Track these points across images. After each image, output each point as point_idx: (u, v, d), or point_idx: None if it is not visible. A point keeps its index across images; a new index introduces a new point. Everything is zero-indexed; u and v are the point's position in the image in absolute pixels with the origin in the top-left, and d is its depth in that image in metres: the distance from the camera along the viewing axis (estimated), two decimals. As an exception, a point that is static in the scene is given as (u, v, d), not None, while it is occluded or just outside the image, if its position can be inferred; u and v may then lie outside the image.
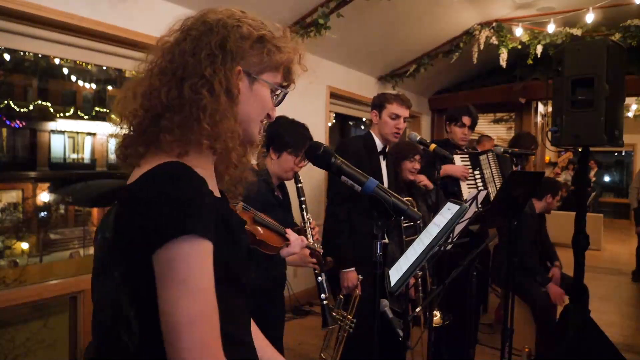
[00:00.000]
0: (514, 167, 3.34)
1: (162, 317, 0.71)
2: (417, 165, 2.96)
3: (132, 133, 0.86)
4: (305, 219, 2.00)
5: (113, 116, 0.90)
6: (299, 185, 2.06)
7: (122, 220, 0.77)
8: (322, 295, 1.97)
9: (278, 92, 0.94)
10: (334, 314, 2.09)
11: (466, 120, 3.11)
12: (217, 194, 0.88)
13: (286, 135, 1.97)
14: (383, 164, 2.66)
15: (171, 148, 0.81)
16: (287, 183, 2.13)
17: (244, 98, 0.87)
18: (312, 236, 1.97)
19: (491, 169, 3.21)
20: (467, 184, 3.08)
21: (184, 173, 0.77)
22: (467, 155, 3.15)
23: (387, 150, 2.67)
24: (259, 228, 1.61)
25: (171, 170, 0.77)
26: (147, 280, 0.73)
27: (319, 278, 1.96)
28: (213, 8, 0.89)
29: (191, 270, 0.72)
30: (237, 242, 0.87)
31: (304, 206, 2.02)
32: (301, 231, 1.98)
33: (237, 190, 1.00)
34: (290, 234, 1.74)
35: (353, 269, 2.40)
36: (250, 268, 0.92)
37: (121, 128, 0.87)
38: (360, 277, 2.37)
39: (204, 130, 0.81)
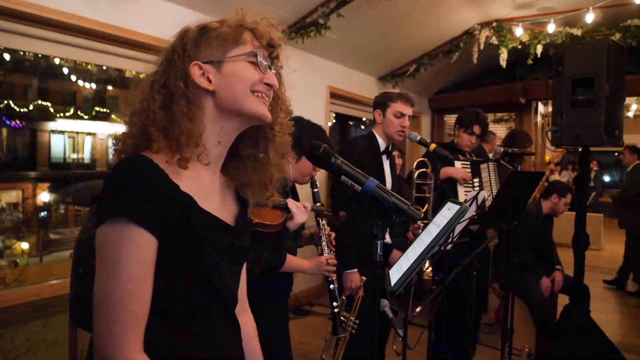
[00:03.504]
0: (516, 166, 3.34)
1: None
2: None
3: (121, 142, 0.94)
4: (321, 225, 1.95)
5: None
6: (315, 190, 2.00)
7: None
8: (334, 304, 1.95)
9: (256, 57, 0.91)
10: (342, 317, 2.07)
11: (477, 129, 3.08)
12: (193, 192, 0.87)
13: (306, 138, 1.88)
14: (386, 163, 2.65)
15: (129, 146, 0.89)
16: (300, 187, 2.08)
17: (219, 84, 0.89)
18: (328, 244, 1.94)
19: (490, 178, 3.20)
20: (465, 191, 3.08)
21: (134, 164, 0.82)
22: (468, 163, 3.14)
23: (389, 149, 2.67)
24: (254, 211, 1.50)
25: (123, 161, 0.83)
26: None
27: (332, 286, 1.93)
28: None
29: (115, 255, 0.77)
30: (199, 240, 0.86)
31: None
32: (314, 237, 1.95)
33: (268, 192, 1.02)
34: (290, 203, 1.68)
35: (356, 270, 2.39)
36: (219, 268, 0.90)
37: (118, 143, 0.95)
38: (364, 278, 2.37)
39: (151, 133, 0.85)
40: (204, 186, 0.92)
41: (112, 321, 0.75)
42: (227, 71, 0.90)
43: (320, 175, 4.72)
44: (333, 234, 1.99)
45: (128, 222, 0.77)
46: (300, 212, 1.71)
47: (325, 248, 1.93)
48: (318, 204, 1.97)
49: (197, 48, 0.89)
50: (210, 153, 0.90)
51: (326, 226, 1.97)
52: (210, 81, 0.89)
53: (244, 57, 0.91)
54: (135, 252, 0.77)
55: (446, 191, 2.99)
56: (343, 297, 2.35)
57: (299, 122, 1.93)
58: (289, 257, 1.82)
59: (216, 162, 0.94)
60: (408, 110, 2.57)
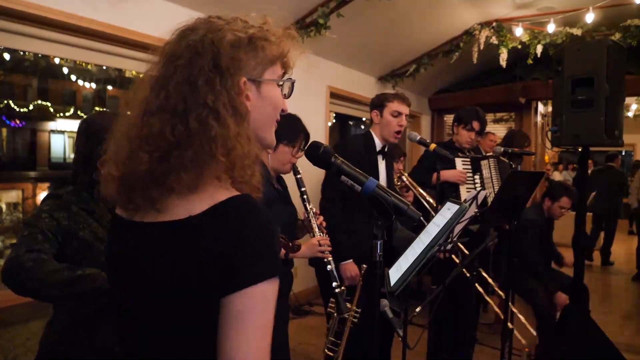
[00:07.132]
0: (513, 166, 3.34)
1: (226, 354, 0.69)
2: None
3: (133, 177, 0.76)
4: (308, 209, 1.96)
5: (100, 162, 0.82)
6: (298, 176, 2.01)
7: (189, 257, 0.72)
8: (334, 284, 1.96)
9: (285, 84, 0.88)
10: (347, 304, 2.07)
11: (475, 125, 3.08)
12: None
13: (279, 127, 1.93)
14: (382, 163, 2.65)
15: (186, 185, 0.74)
16: (285, 176, 2.10)
17: (255, 106, 0.82)
18: (318, 226, 1.95)
19: (491, 174, 3.20)
20: (467, 188, 3.07)
21: (263, 210, 0.75)
22: (468, 160, 3.13)
23: (386, 150, 2.67)
24: None
25: (252, 208, 0.74)
26: (207, 322, 0.71)
27: (329, 267, 1.95)
28: (188, 25, 0.81)
29: (270, 313, 0.71)
30: None
31: (305, 197, 1.98)
32: (305, 222, 1.96)
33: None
34: None
35: (351, 260, 2.40)
36: None
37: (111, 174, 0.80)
38: (364, 265, 2.36)
39: (219, 163, 0.75)
40: None
41: None
42: (264, 93, 0.83)
43: (321, 172, 4.72)
44: (321, 217, 2.00)
45: (277, 278, 0.73)
46: None
47: (317, 230, 1.94)
48: (303, 189, 1.99)
49: (245, 57, 0.79)
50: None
51: (314, 209, 1.99)
52: (249, 100, 0.80)
53: (278, 81, 0.85)
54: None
55: (447, 190, 2.99)
56: (343, 288, 2.34)
57: None
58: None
59: None
60: (405, 109, 2.60)
